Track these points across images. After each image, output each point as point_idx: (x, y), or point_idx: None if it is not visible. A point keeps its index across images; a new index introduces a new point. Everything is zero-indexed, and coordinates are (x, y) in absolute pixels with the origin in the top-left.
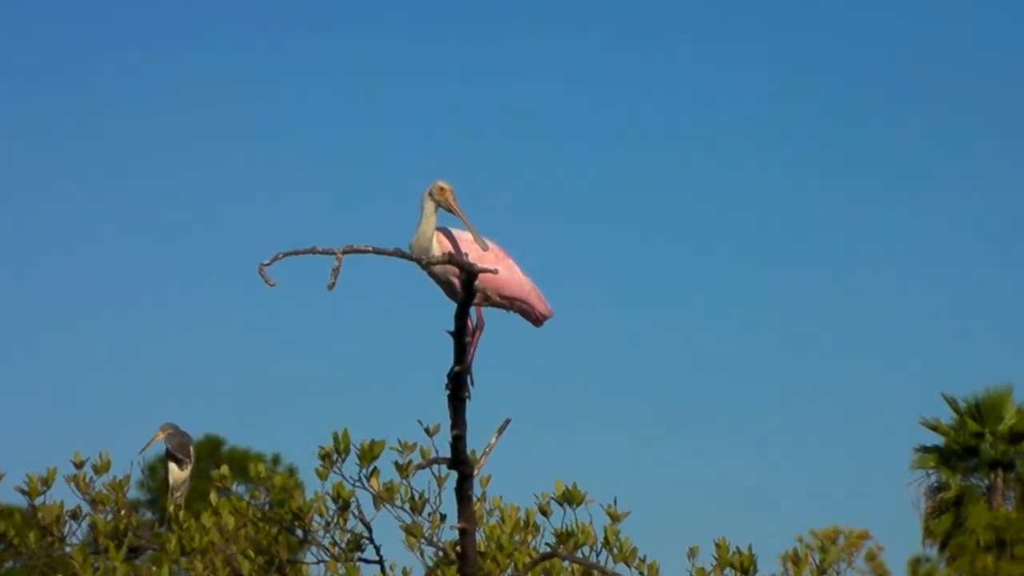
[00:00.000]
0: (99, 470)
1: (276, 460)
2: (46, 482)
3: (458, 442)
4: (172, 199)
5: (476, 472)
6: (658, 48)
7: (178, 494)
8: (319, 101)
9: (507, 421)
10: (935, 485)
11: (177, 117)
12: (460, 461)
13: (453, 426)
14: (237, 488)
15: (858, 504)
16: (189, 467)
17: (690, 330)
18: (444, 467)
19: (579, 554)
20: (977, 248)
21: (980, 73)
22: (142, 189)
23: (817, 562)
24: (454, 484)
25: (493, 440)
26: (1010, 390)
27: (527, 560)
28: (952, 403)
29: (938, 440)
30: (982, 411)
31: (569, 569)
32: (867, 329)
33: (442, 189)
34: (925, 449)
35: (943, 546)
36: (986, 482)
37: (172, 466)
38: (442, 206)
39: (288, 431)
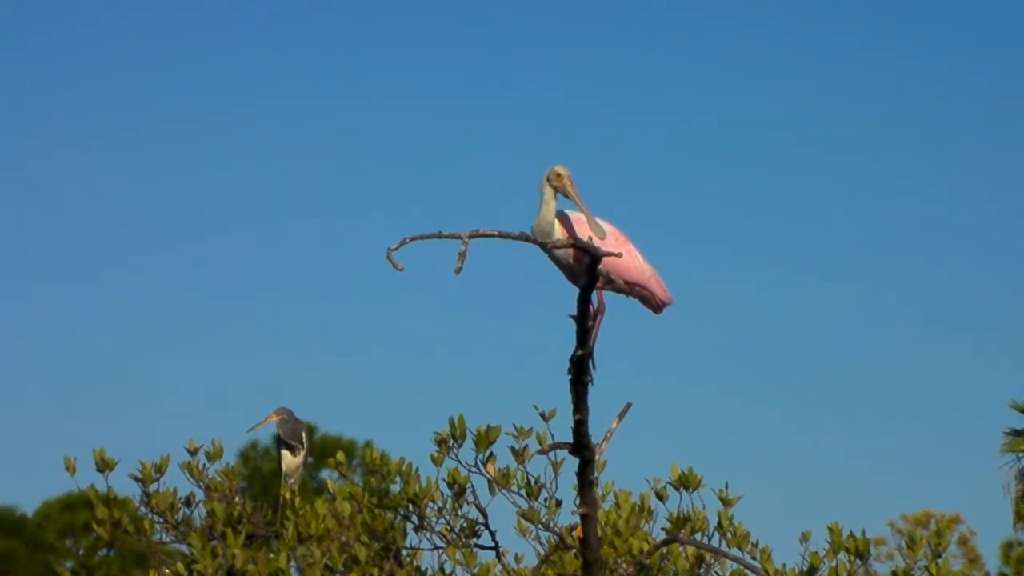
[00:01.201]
0: (212, 457)
1: (369, 446)
2: (159, 469)
3: (580, 426)
4: (285, 189)
5: (598, 457)
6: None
7: (292, 480)
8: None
9: (628, 405)
10: None
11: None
12: (582, 446)
13: (575, 410)
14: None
15: (949, 488)
16: (302, 453)
17: (790, 317)
18: (560, 452)
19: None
20: None
21: None
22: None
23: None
24: (573, 469)
25: (614, 425)
26: None
27: (645, 546)
28: None
29: None
30: None
31: (684, 554)
32: (957, 313)
33: (559, 175)
34: (1015, 432)
35: None
36: None
37: (285, 453)
38: (560, 191)
39: (404, 419)
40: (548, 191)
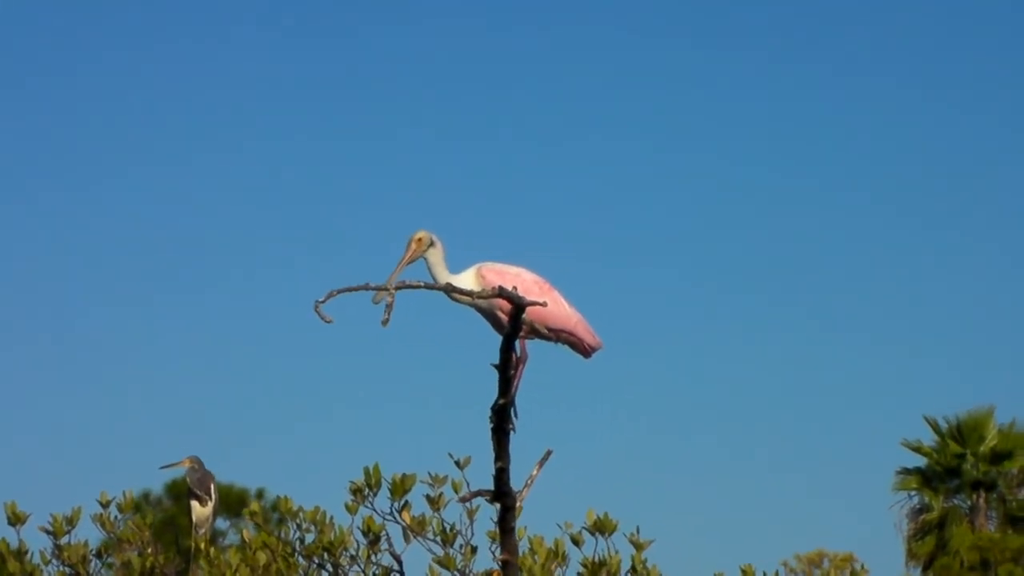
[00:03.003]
0: (123, 508)
1: (260, 494)
2: (71, 521)
3: (502, 474)
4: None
5: (519, 504)
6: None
7: (202, 531)
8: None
9: (548, 452)
10: (918, 507)
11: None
12: (503, 493)
13: (497, 458)
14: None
15: (842, 527)
16: (211, 504)
17: (701, 356)
18: (476, 499)
19: None
20: (957, 269)
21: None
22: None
23: None
24: (488, 516)
25: (535, 472)
26: (991, 411)
27: None
28: (934, 424)
29: (920, 462)
30: (963, 432)
31: None
32: (849, 351)
33: (419, 240)
34: (907, 471)
35: (926, 567)
36: (968, 503)
37: (194, 503)
38: (421, 256)
39: (307, 468)
40: (429, 258)
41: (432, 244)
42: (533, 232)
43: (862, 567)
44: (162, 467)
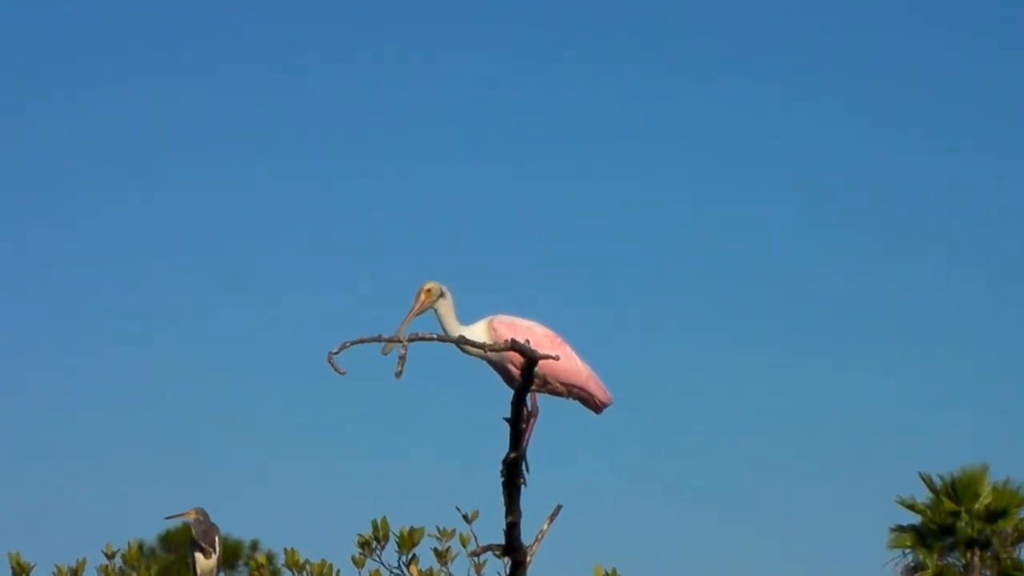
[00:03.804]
0: (128, 560)
1: (254, 546)
2: (76, 573)
3: (512, 528)
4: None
5: (529, 559)
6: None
7: None
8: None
9: (558, 507)
10: (912, 565)
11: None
12: (514, 548)
13: (508, 512)
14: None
15: None
16: (215, 557)
17: (707, 415)
18: (483, 554)
19: None
20: (953, 325)
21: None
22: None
23: None
24: (497, 570)
25: (545, 527)
26: (986, 468)
27: None
28: (928, 481)
29: (914, 519)
30: (958, 490)
31: None
32: (843, 407)
33: (428, 291)
34: (901, 528)
35: None
36: (963, 561)
37: (198, 555)
38: (431, 306)
39: (313, 521)
40: (439, 310)
41: (442, 295)
42: (544, 285)
43: None
44: (167, 517)
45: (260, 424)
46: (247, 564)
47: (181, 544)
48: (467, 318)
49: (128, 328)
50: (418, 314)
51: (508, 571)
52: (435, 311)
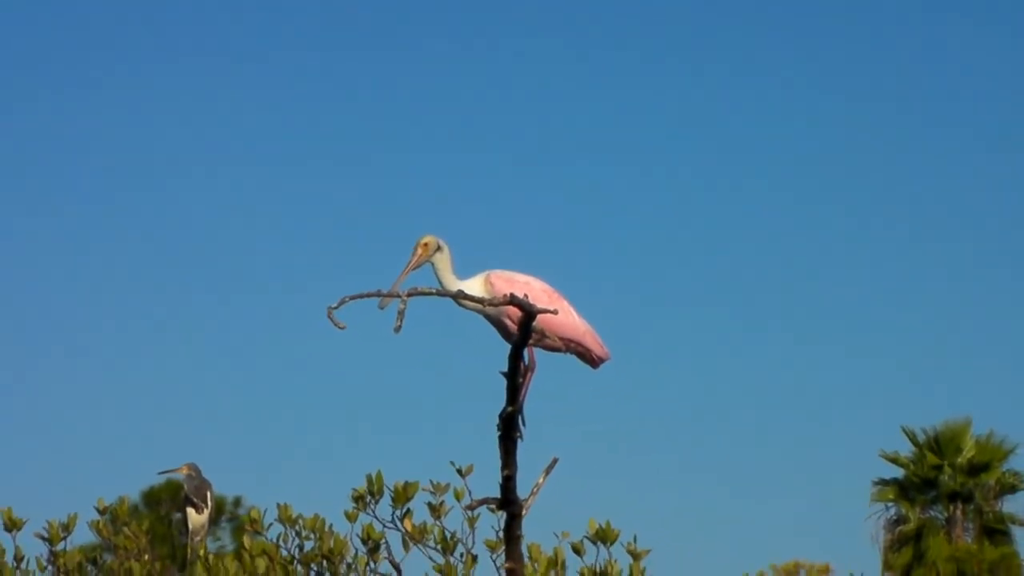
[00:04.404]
0: (119, 515)
1: (237, 502)
2: (67, 528)
3: (508, 482)
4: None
5: (525, 512)
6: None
7: (197, 539)
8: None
9: (555, 460)
10: (895, 518)
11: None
12: (510, 501)
13: (504, 466)
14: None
15: (819, 538)
16: (207, 512)
17: (699, 371)
18: (473, 510)
19: None
20: (936, 280)
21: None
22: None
23: None
24: (489, 524)
25: (541, 480)
26: (968, 422)
27: None
28: (911, 436)
29: (897, 473)
30: (941, 443)
31: None
32: (827, 362)
33: (425, 245)
34: (884, 482)
35: None
36: (945, 514)
37: (190, 511)
38: (428, 260)
39: (317, 477)
40: (436, 264)
41: (439, 249)
42: (541, 240)
43: None
44: (160, 472)
45: (252, 379)
46: (230, 520)
47: (164, 501)
48: (463, 272)
49: (114, 279)
50: (415, 268)
51: (504, 524)
52: (432, 265)
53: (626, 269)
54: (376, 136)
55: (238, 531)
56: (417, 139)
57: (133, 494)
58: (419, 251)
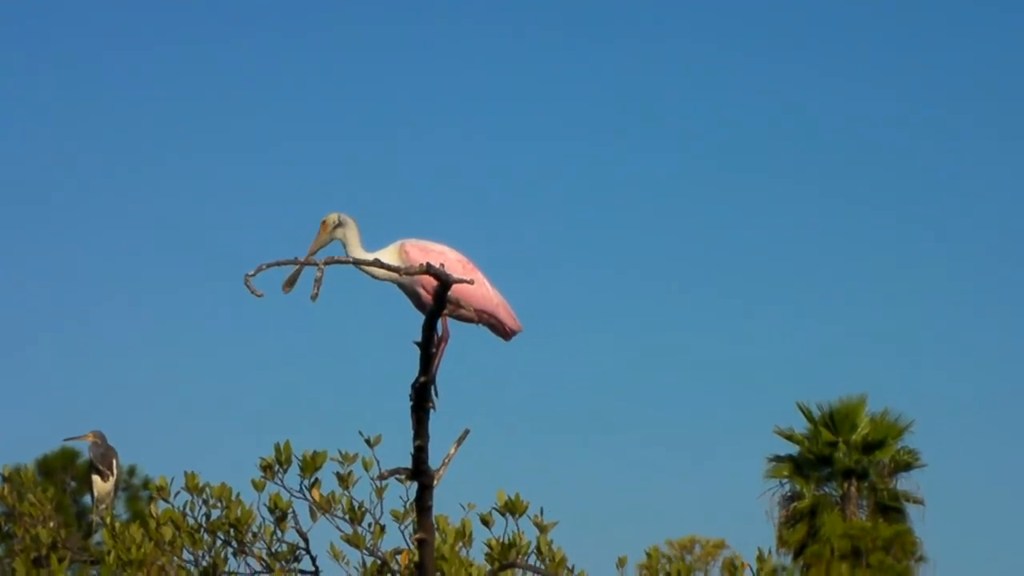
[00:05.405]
0: (25, 481)
1: (132, 471)
2: None
3: (420, 452)
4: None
5: (436, 483)
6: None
7: (103, 506)
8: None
9: (466, 431)
10: (789, 494)
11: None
12: (422, 472)
13: (416, 436)
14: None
15: (714, 514)
16: (112, 480)
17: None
18: (384, 480)
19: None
20: (832, 255)
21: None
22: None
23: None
24: (398, 495)
25: (452, 451)
26: (863, 399)
27: (474, 572)
28: (806, 412)
29: (792, 449)
30: (836, 420)
31: None
32: (722, 337)
33: (324, 224)
34: (779, 458)
35: (797, 555)
36: (840, 492)
37: (96, 478)
38: (337, 238)
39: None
40: (343, 239)
41: (340, 224)
42: (452, 211)
43: (742, 562)
44: (65, 439)
45: (156, 346)
46: (124, 489)
47: (57, 470)
48: (373, 246)
49: (26, 242)
50: (322, 246)
51: (416, 495)
52: (341, 241)
53: (534, 241)
54: (285, 116)
55: (132, 500)
56: (329, 113)
57: (27, 463)
58: (321, 229)
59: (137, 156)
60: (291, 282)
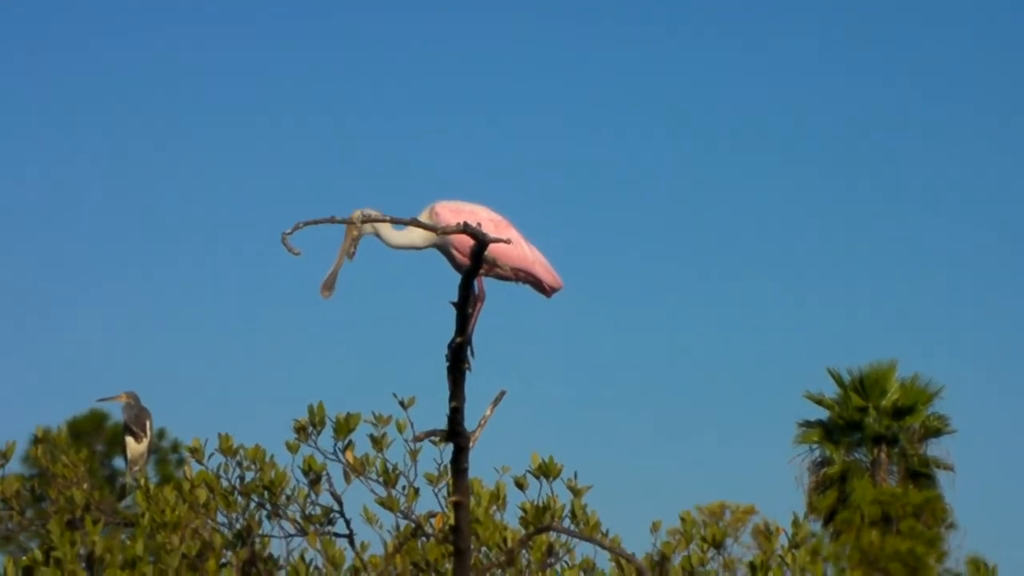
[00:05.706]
0: (58, 442)
1: (161, 435)
2: (5, 455)
3: (456, 414)
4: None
5: (472, 444)
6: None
7: (136, 468)
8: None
9: (502, 393)
10: (819, 460)
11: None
12: (457, 433)
13: (452, 398)
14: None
15: (744, 479)
16: (145, 441)
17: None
18: (419, 441)
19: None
20: (863, 221)
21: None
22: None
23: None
24: (432, 457)
25: (488, 412)
26: (894, 364)
27: (509, 534)
28: (836, 377)
29: (822, 414)
30: (866, 386)
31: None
32: (754, 302)
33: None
34: (809, 424)
35: (827, 521)
36: (870, 457)
37: (129, 439)
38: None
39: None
40: (376, 229)
41: (366, 218)
42: (489, 171)
43: (775, 526)
44: (99, 400)
45: (189, 307)
46: (155, 452)
47: (88, 432)
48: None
49: (31, 208)
50: (352, 245)
51: (451, 456)
52: (374, 232)
53: (578, 204)
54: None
55: (162, 463)
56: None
57: (57, 425)
58: (348, 230)
59: (188, 117)
60: (330, 286)
